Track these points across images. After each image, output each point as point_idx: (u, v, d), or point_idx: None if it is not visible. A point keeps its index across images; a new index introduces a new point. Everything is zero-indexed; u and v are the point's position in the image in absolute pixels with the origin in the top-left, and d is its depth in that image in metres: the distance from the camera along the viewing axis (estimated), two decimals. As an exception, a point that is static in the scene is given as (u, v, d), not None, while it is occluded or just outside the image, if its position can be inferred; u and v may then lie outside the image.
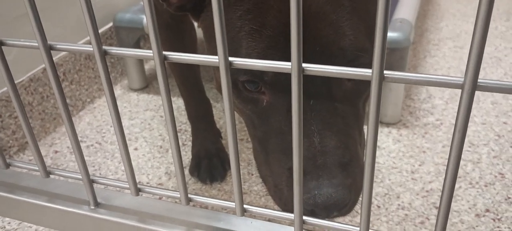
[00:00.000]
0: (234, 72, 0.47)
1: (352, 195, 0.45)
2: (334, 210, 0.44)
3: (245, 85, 0.48)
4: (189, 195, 0.46)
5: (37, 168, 0.52)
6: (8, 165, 0.54)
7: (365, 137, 0.42)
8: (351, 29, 0.45)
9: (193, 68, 0.84)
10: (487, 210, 0.75)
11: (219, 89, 0.56)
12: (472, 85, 0.31)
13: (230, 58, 0.37)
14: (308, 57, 0.44)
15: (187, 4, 0.55)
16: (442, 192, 0.36)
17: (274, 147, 0.48)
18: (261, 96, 0.48)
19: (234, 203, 0.44)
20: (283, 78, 0.46)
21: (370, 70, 0.34)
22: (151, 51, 0.38)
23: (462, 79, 0.31)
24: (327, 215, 0.44)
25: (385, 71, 0.34)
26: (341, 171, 0.44)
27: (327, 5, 0.45)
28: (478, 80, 0.31)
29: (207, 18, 0.53)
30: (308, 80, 0.45)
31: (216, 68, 0.55)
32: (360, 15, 0.46)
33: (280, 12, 0.45)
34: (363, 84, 0.48)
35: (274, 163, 0.48)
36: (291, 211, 0.46)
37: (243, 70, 0.46)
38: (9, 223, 0.77)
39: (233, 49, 0.46)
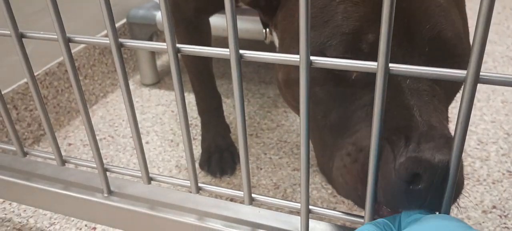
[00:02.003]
0: (322, 46, 0.43)
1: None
2: (438, 170, 0.37)
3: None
4: (199, 184, 0.47)
5: (53, 157, 0.53)
6: (25, 154, 0.56)
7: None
8: (459, 24, 0.45)
9: (207, 62, 0.85)
10: (494, 207, 0.76)
11: (284, 88, 0.51)
12: (474, 78, 0.31)
13: (241, 51, 0.38)
14: (420, 40, 0.42)
15: (262, 1, 0.53)
16: (447, 184, 0.37)
17: (359, 122, 0.43)
18: (349, 72, 0.44)
19: (242, 193, 0.45)
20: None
21: (375, 64, 0.35)
22: (165, 44, 0.40)
23: (465, 72, 0.32)
24: (431, 178, 0.37)
25: (390, 65, 0.35)
26: (445, 142, 0.39)
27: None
28: (481, 73, 0.32)
29: (287, 17, 0.50)
30: (407, 60, 0.42)
31: (279, 65, 0.51)
32: (458, 8, 0.46)
33: None
34: (456, 87, 0.47)
35: (359, 137, 0.43)
36: (385, 176, 0.39)
37: (338, 38, 0.42)
38: (25, 210, 0.79)
39: (325, 17, 0.43)
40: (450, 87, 0.47)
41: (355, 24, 0.42)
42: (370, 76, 0.42)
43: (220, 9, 0.77)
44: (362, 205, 0.42)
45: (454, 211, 0.75)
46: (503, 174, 0.83)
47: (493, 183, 0.81)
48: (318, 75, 0.45)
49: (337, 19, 0.43)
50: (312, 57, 0.36)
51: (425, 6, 0.43)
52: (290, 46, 0.50)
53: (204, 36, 0.82)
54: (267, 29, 0.71)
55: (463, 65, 0.44)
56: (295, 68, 0.44)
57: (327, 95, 0.46)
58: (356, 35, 0.42)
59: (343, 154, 0.44)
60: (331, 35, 0.43)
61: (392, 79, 0.42)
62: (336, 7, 0.43)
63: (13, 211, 0.79)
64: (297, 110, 0.52)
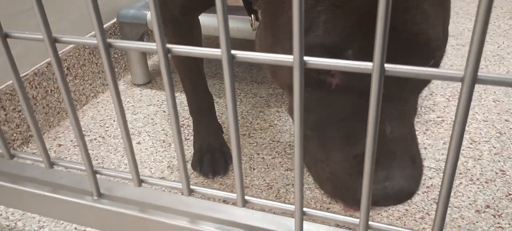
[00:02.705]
0: (306, 52, 0.42)
1: (418, 187, 0.43)
2: (403, 201, 0.42)
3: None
4: (191, 187, 0.46)
5: (41, 159, 0.52)
6: (12, 156, 0.55)
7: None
8: (436, 19, 0.43)
9: (197, 62, 0.84)
10: (488, 206, 0.76)
11: (285, 87, 0.51)
12: (472, 78, 0.31)
13: (233, 51, 0.37)
14: (397, 45, 0.42)
15: None
16: (442, 184, 0.37)
17: (335, 133, 0.45)
18: (330, 79, 0.44)
19: (235, 194, 0.45)
20: (364, 60, 0.43)
21: (371, 64, 0.34)
22: (154, 44, 0.39)
23: (462, 73, 0.31)
24: (394, 204, 0.43)
25: (385, 65, 0.34)
26: (410, 162, 0.43)
27: None
28: (478, 73, 0.31)
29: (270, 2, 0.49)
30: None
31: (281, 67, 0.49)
32: (443, 4, 0.45)
33: None
34: (421, 85, 0.48)
35: (333, 150, 0.45)
36: (348, 199, 0.45)
37: (317, 49, 0.42)
38: (13, 213, 0.78)
39: (307, 24, 0.42)
40: (417, 88, 0.47)
41: (336, 38, 0.41)
42: (349, 86, 0.44)
43: (207, 7, 0.76)
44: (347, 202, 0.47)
45: (447, 210, 0.75)
46: (496, 173, 0.83)
47: (486, 182, 0.81)
48: (307, 79, 0.44)
49: (319, 29, 0.42)
50: (306, 58, 0.35)
51: (406, 13, 0.42)
52: (271, 27, 0.48)
53: (193, 36, 0.81)
54: (253, 16, 0.70)
55: (437, 59, 0.45)
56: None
57: (308, 100, 0.46)
58: (337, 50, 0.42)
59: (319, 168, 0.47)
60: (312, 45, 0.42)
61: (366, 90, 0.42)
62: (318, 16, 0.42)
63: (1, 214, 0.78)
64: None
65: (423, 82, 0.47)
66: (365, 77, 0.42)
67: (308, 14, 0.42)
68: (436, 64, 0.46)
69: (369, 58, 0.39)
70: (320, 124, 0.46)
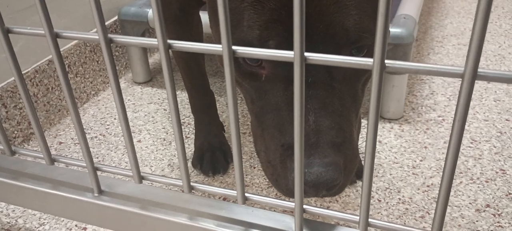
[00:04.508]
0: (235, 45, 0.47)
1: (342, 176, 0.44)
2: (323, 189, 0.43)
3: (245, 59, 0.47)
4: (192, 183, 0.46)
5: (42, 155, 0.52)
6: (13, 153, 0.55)
7: (364, 123, 0.42)
8: (356, 9, 0.44)
9: (198, 60, 0.84)
10: (488, 205, 0.76)
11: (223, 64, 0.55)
12: (472, 74, 0.31)
13: (234, 47, 0.37)
14: (310, 35, 0.44)
15: None
16: (441, 181, 0.37)
17: (270, 123, 0.48)
18: (260, 70, 0.48)
19: (235, 192, 0.45)
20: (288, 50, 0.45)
21: (371, 60, 0.34)
22: (155, 39, 0.39)
23: (463, 69, 0.32)
24: (316, 194, 0.44)
25: (386, 61, 0.34)
26: (333, 151, 0.44)
27: None
28: (478, 70, 0.31)
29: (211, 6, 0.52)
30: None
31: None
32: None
33: None
34: (359, 75, 0.48)
35: (268, 138, 0.48)
36: (281, 187, 0.47)
37: (243, 44, 0.45)
38: (13, 210, 0.78)
39: (235, 20, 0.46)
40: (353, 83, 0.48)
41: (256, 32, 0.44)
42: (276, 76, 0.46)
43: (204, 3, 0.76)
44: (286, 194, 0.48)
45: (448, 209, 0.75)
46: (496, 172, 0.83)
47: (487, 182, 0.81)
48: (238, 72, 0.48)
49: (243, 25, 0.45)
50: (306, 54, 0.35)
51: (320, 4, 0.43)
52: (214, 23, 0.52)
53: (193, 32, 0.81)
54: None
55: (361, 49, 0.46)
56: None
57: (250, 91, 0.50)
58: (259, 43, 0.45)
59: (262, 156, 0.49)
60: (240, 41, 0.46)
61: (291, 78, 0.45)
62: (242, 13, 0.45)
63: (2, 211, 0.78)
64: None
65: (356, 71, 0.47)
66: (290, 66, 0.44)
67: (235, 11, 0.45)
68: (360, 54, 0.46)
69: (292, 47, 0.41)
70: (260, 113, 0.49)
